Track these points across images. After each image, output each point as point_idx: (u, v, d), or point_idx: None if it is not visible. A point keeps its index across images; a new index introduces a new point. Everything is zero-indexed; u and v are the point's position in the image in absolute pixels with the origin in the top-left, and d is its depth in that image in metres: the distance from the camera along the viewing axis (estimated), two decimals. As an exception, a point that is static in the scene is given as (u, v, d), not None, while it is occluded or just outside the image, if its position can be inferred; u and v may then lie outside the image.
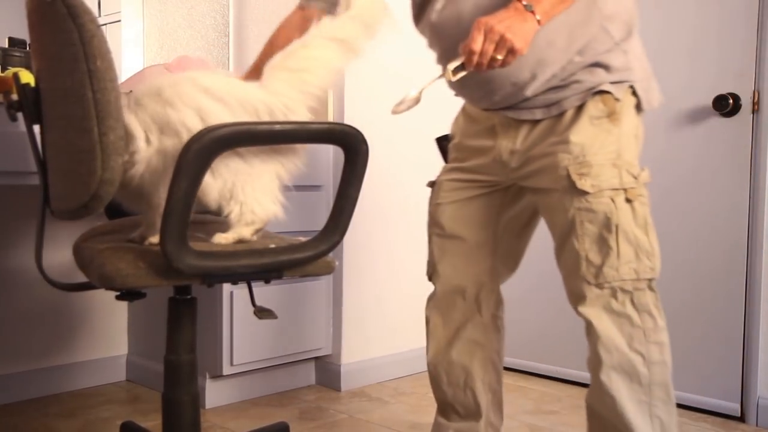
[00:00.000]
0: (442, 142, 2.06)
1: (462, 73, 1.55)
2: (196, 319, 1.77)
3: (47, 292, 2.77)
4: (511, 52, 1.48)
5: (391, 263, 3.12)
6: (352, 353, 3.00)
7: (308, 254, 1.59)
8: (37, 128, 1.66)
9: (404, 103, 1.60)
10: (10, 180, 2.15)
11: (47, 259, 2.57)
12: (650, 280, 1.68)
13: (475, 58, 1.49)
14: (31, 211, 2.71)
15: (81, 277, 1.66)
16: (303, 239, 1.65)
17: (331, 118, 2.92)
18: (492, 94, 1.73)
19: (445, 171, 1.98)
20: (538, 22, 1.51)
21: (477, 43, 1.47)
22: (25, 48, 2.66)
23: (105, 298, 2.92)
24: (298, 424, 2.54)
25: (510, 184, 1.88)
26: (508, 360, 3.30)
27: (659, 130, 2.81)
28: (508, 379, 3.16)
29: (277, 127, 1.43)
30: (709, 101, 2.66)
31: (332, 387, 2.97)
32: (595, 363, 1.69)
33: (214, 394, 2.71)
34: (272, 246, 1.58)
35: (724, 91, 2.62)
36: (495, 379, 2.02)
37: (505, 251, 1.98)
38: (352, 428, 2.52)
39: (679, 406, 2.75)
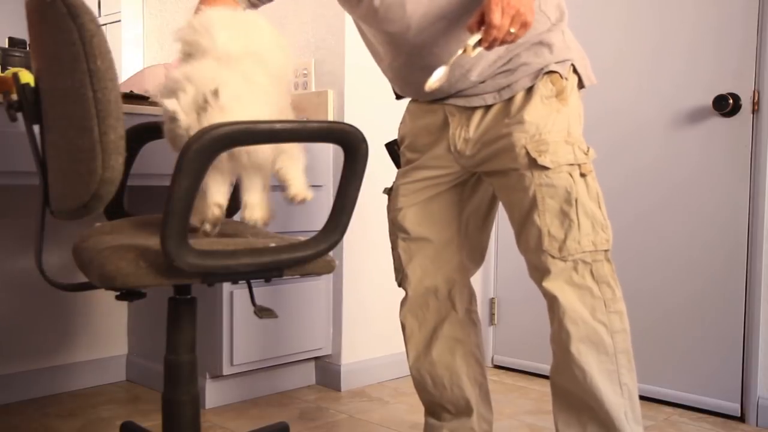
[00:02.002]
0: (393, 147, 2.04)
1: (479, 49, 1.55)
2: (196, 319, 1.77)
3: (47, 292, 2.77)
4: (524, 25, 1.52)
5: (391, 263, 3.11)
6: (352, 353, 3.00)
7: (308, 253, 1.59)
8: (36, 128, 1.66)
9: (437, 80, 1.59)
10: (10, 180, 2.15)
11: (47, 259, 2.57)
12: (606, 251, 1.73)
13: (494, 32, 1.50)
14: (31, 211, 2.71)
15: (81, 277, 1.66)
16: (303, 239, 1.65)
17: (331, 118, 2.92)
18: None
19: (400, 175, 1.99)
20: None
21: (497, 16, 1.48)
22: (25, 48, 2.66)
23: (105, 298, 2.92)
24: (298, 424, 2.54)
25: (466, 177, 1.91)
26: (508, 360, 3.30)
27: (659, 130, 2.81)
28: (508, 379, 3.16)
29: (278, 126, 1.43)
30: (709, 101, 2.66)
31: (332, 387, 2.97)
32: (562, 337, 1.72)
33: (214, 394, 2.71)
34: (272, 245, 1.58)
35: (723, 91, 2.62)
36: (479, 372, 2.03)
37: (470, 246, 2.01)
38: (352, 428, 2.52)
39: (680, 406, 2.77)
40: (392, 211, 1.99)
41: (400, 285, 2.03)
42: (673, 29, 2.78)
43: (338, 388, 2.94)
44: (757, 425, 2.59)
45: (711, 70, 2.69)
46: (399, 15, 1.71)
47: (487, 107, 1.78)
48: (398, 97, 2.03)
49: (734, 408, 2.65)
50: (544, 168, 1.69)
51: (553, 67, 1.73)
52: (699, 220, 2.73)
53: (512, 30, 1.50)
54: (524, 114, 1.72)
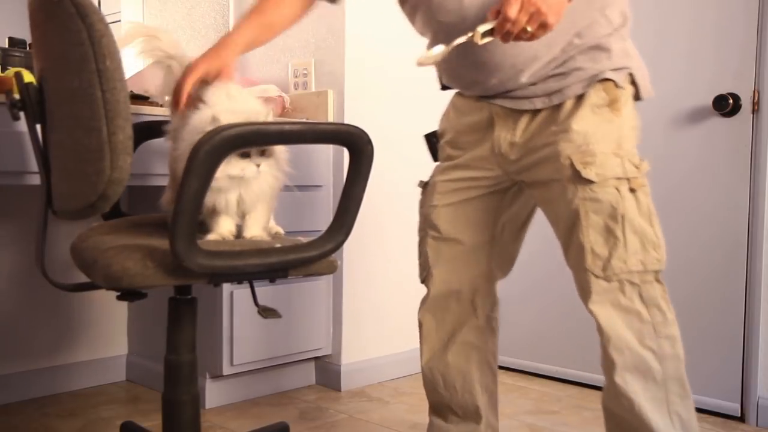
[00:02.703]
0: (431, 139, 1.97)
1: (489, 39, 1.48)
2: (196, 319, 1.77)
3: (47, 292, 2.76)
4: (543, 26, 1.44)
5: (391, 263, 3.13)
6: (352, 353, 3.00)
7: (314, 253, 1.59)
8: (38, 128, 1.66)
9: (429, 58, 1.53)
10: (10, 180, 2.14)
11: (47, 259, 2.57)
12: (657, 272, 1.64)
13: (508, 26, 1.43)
14: (31, 211, 2.71)
15: (80, 277, 1.66)
16: (303, 239, 1.65)
17: (331, 118, 2.92)
18: (489, 77, 1.69)
19: (439, 171, 1.91)
20: None
21: (513, 10, 1.41)
22: (25, 48, 2.65)
23: (105, 298, 2.91)
24: (298, 424, 2.54)
25: (509, 184, 1.83)
26: (508, 360, 3.30)
27: (659, 130, 2.81)
28: (508, 379, 3.17)
29: (286, 127, 1.43)
30: (709, 101, 2.67)
31: (332, 387, 2.97)
32: (608, 365, 1.64)
33: (214, 394, 2.71)
34: (278, 245, 1.58)
35: (723, 91, 2.63)
36: (491, 380, 2.00)
37: (501, 254, 1.94)
38: (352, 428, 2.52)
39: (680, 405, 2.77)
40: (426, 206, 1.92)
41: (423, 282, 1.96)
42: (673, 29, 2.79)
43: (338, 388, 2.94)
44: (757, 425, 2.59)
45: (711, 70, 2.69)
46: (455, 6, 1.64)
47: (535, 111, 1.69)
48: (444, 87, 1.92)
49: (734, 408, 2.66)
50: (589, 182, 1.60)
51: (608, 75, 1.63)
52: (699, 219, 2.73)
53: (529, 28, 1.43)
54: (572, 122, 1.63)
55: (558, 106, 1.66)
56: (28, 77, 1.94)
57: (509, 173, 1.78)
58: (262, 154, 1.57)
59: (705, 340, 2.72)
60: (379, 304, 3.09)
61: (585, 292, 1.66)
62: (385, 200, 3.06)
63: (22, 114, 1.65)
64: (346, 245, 2.90)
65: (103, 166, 1.35)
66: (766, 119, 2.57)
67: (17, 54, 2.54)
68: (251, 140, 1.38)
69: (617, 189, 1.60)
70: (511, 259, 1.98)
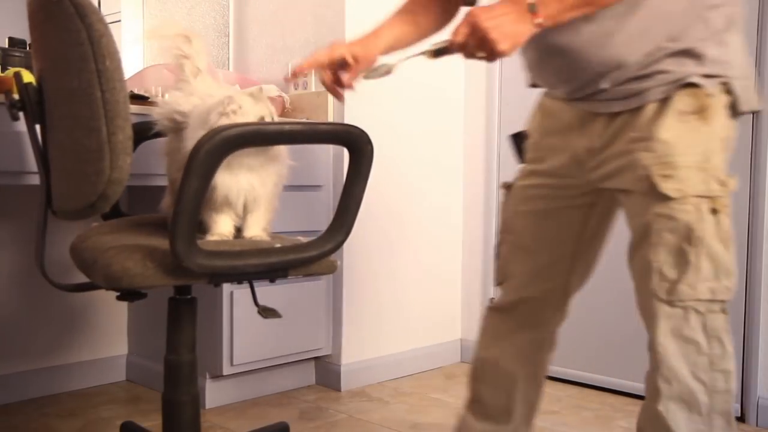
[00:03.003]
0: (517, 140, 1.84)
1: (443, 56, 1.46)
2: (196, 319, 1.77)
3: (47, 292, 2.76)
4: (492, 53, 1.37)
5: (390, 263, 3.13)
6: (352, 353, 3.00)
7: (314, 253, 1.60)
8: (37, 128, 1.66)
9: (377, 71, 1.53)
10: (10, 180, 2.14)
11: (47, 259, 2.57)
12: (724, 301, 1.49)
13: (455, 48, 1.40)
14: (31, 211, 2.71)
15: (80, 277, 1.66)
16: (303, 239, 1.66)
17: (330, 118, 2.92)
18: (570, 80, 1.59)
19: (522, 175, 1.79)
20: (539, 25, 1.38)
21: (459, 36, 1.37)
22: (25, 48, 2.65)
23: (105, 298, 2.91)
24: (298, 424, 2.54)
25: (594, 198, 1.70)
26: (508, 360, 3.30)
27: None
28: (507, 379, 3.16)
29: (287, 127, 1.43)
30: (709, 102, 2.67)
31: (332, 387, 2.97)
32: (652, 390, 1.53)
33: (214, 394, 2.71)
34: (278, 245, 1.58)
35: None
36: (535, 394, 1.90)
37: (581, 268, 1.81)
38: (352, 428, 2.52)
39: (679, 405, 2.77)
40: (507, 210, 1.82)
41: (498, 284, 1.86)
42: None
43: (338, 388, 2.94)
44: (757, 425, 2.60)
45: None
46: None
47: (612, 115, 1.56)
48: (532, 85, 1.79)
49: (734, 408, 2.65)
50: (666, 197, 1.46)
51: (695, 79, 1.47)
52: (699, 220, 2.73)
53: (479, 54, 1.38)
54: (653, 129, 1.48)
55: (637, 111, 1.53)
56: (28, 77, 1.94)
57: (591, 181, 1.65)
58: None
59: (705, 340, 2.71)
60: (379, 304, 3.09)
61: (646, 312, 1.55)
62: (384, 200, 3.06)
63: (21, 114, 1.65)
64: (346, 245, 2.89)
65: (103, 167, 1.35)
66: (766, 119, 2.57)
67: (17, 54, 2.54)
68: (251, 140, 1.38)
69: (697, 208, 1.46)
70: (590, 273, 1.85)
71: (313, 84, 3.01)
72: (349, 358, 2.99)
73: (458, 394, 2.90)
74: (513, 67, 3.24)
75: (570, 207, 1.72)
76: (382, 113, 3.04)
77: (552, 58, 1.57)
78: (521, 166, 1.81)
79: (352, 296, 2.98)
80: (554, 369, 3.14)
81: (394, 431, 2.50)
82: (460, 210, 3.44)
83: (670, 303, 1.48)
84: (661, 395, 1.50)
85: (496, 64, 3.27)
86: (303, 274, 1.66)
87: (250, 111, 1.63)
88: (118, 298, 1.60)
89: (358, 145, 1.54)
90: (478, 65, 3.33)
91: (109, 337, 2.98)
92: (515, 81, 3.22)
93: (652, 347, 1.52)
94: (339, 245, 1.63)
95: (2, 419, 2.52)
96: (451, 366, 3.38)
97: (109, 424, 2.49)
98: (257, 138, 1.39)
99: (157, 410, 2.22)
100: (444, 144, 3.34)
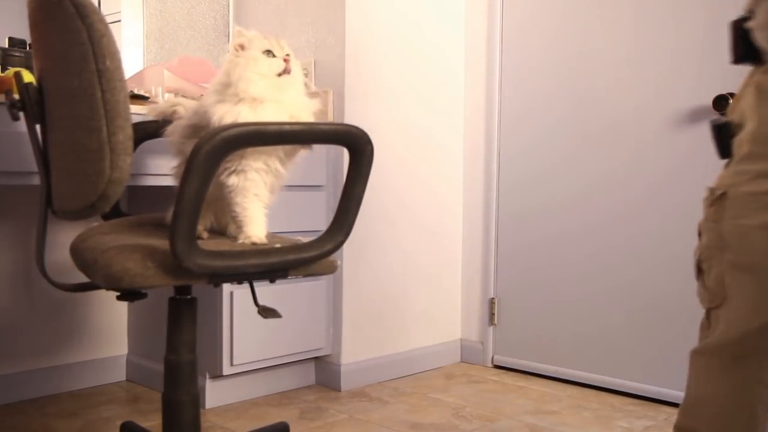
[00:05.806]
0: (723, 130, 1.45)
1: None
2: (196, 319, 1.77)
3: (47, 292, 2.76)
4: None
5: (390, 263, 3.13)
6: (352, 353, 3.00)
7: (314, 254, 1.60)
8: (37, 128, 1.66)
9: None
10: (10, 180, 2.14)
11: (46, 259, 2.57)
12: None
13: None
14: (31, 211, 2.71)
15: (80, 277, 1.66)
16: (303, 239, 1.66)
17: (331, 118, 2.92)
18: None
19: (745, 180, 1.34)
20: None
21: None
22: (25, 48, 2.65)
23: (105, 298, 2.92)
24: (298, 424, 2.54)
25: None
26: (508, 360, 3.30)
27: (659, 130, 2.82)
28: (508, 379, 3.17)
29: (286, 127, 1.43)
30: (709, 101, 2.67)
31: (332, 387, 2.97)
32: None
33: (214, 394, 2.71)
34: (278, 246, 1.58)
35: (723, 91, 2.63)
36: None
37: None
38: (352, 428, 2.52)
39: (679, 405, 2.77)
40: (723, 221, 1.38)
41: (709, 311, 1.42)
42: (673, 30, 2.79)
43: (338, 388, 2.94)
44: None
45: (711, 70, 2.69)
46: None
47: None
48: (736, 61, 1.40)
49: None
50: None
51: None
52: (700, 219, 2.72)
53: None
54: None
55: None
56: (28, 77, 1.94)
57: None
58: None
59: (705, 340, 2.71)
60: (379, 304, 3.09)
61: None
62: (384, 200, 3.06)
63: (21, 114, 1.65)
64: (346, 245, 2.90)
65: (103, 167, 1.35)
66: (766, 119, 2.56)
67: (17, 54, 2.54)
68: (251, 140, 1.38)
69: None
70: None
71: (313, 84, 3.01)
72: (349, 358, 2.99)
73: (458, 394, 2.91)
74: (513, 67, 3.24)
75: None
76: (383, 113, 3.04)
77: None
78: (734, 168, 1.40)
79: (352, 296, 2.98)
80: (554, 369, 3.15)
81: (394, 431, 2.50)
82: (461, 210, 3.44)
83: None
84: None
85: (496, 60, 3.27)
86: (303, 274, 1.66)
87: (258, 45, 1.67)
88: (119, 298, 1.60)
89: (358, 146, 1.54)
90: (478, 64, 3.33)
91: (109, 337, 2.98)
92: (515, 81, 3.22)
93: None
94: (339, 245, 1.63)
95: (2, 419, 2.52)
96: (451, 366, 3.38)
97: (109, 424, 2.49)
98: (257, 138, 1.39)
99: (157, 410, 2.23)
100: (444, 144, 3.34)
